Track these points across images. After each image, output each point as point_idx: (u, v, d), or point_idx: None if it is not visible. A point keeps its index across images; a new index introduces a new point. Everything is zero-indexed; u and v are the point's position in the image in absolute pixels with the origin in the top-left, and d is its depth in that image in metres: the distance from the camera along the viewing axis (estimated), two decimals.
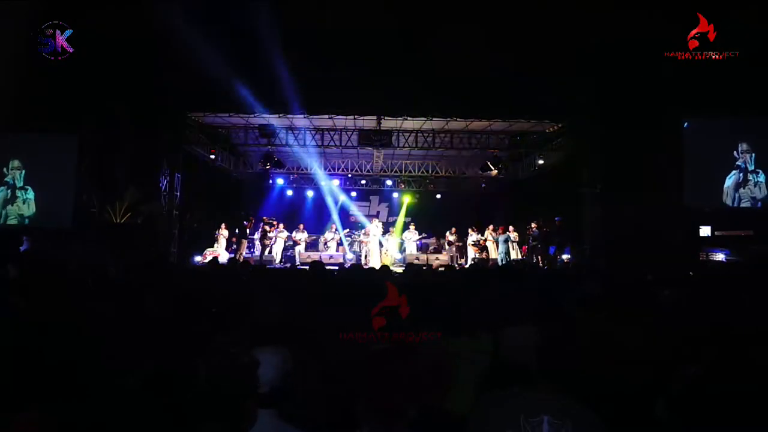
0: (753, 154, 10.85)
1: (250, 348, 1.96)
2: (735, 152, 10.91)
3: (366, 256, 14.35)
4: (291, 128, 12.77)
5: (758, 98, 9.98)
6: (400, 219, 17.60)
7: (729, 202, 10.86)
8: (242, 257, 13.17)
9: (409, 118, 11.75)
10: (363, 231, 15.04)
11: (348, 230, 15.73)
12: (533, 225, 13.35)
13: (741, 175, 10.86)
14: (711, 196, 10.92)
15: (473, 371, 2.33)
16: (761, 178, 10.81)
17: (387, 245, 14.48)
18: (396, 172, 16.62)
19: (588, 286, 4.26)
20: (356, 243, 15.12)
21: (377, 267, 7.23)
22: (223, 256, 12.37)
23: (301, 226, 14.87)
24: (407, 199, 18.06)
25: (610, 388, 1.89)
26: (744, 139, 10.95)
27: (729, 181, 10.88)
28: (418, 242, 14.89)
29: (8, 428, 1.41)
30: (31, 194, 11.57)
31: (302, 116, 11.80)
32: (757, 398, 1.61)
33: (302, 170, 16.58)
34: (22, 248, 9.76)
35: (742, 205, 10.84)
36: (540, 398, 1.54)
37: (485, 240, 14.28)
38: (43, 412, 1.45)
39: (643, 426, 1.84)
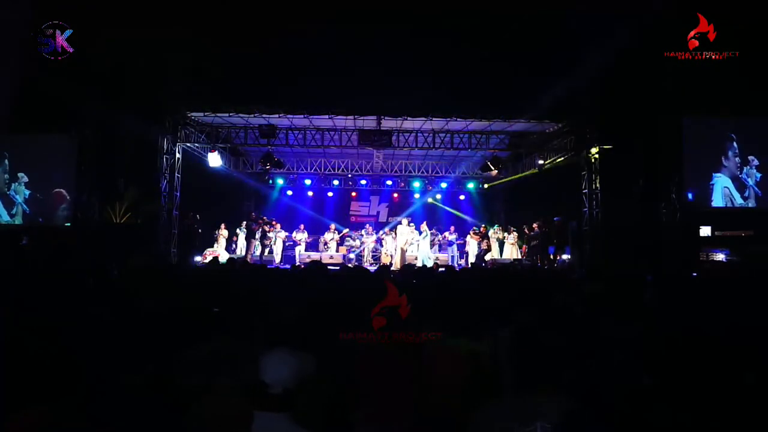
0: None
1: (255, 348, 1.96)
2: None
3: (366, 257, 14.38)
4: (291, 128, 12.76)
5: (758, 98, 9.99)
6: None
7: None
8: (251, 257, 13.29)
9: (409, 118, 11.75)
10: (364, 230, 15.06)
11: (348, 230, 15.73)
12: (534, 225, 13.34)
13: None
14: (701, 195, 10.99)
15: (473, 373, 2.33)
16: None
17: (388, 246, 14.46)
18: (396, 172, 16.61)
19: (588, 286, 4.26)
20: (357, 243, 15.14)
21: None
22: (223, 256, 12.37)
23: (302, 227, 14.89)
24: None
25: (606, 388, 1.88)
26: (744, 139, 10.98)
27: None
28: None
29: (8, 426, 1.41)
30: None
31: (302, 116, 11.79)
32: None
33: (302, 170, 16.58)
34: (21, 243, 9.82)
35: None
36: (534, 403, 1.54)
37: (488, 240, 14.29)
38: (42, 410, 1.45)
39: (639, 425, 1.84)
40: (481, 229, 14.35)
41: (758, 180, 10.94)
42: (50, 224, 11.41)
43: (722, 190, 10.86)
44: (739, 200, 10.90)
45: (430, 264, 12.00)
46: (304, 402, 1.66)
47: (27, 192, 11.54)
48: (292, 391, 1.64)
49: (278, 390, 1.62)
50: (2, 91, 9.61)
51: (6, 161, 11.62)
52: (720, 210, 10.93)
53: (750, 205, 10.94)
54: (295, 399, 1.65)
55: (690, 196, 10.82)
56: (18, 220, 11.57)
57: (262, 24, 9.94)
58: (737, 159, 10.93)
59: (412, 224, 13.90)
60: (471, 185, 17.56)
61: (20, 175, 11.57)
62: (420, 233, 14.03)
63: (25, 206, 11.53)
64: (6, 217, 11.55)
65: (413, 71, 10.32)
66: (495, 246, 14.27)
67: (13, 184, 11.57)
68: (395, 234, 13.93)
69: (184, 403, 1.78)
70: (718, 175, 10.91)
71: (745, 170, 10.95)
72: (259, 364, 1.69)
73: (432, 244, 14.86)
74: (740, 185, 10.94)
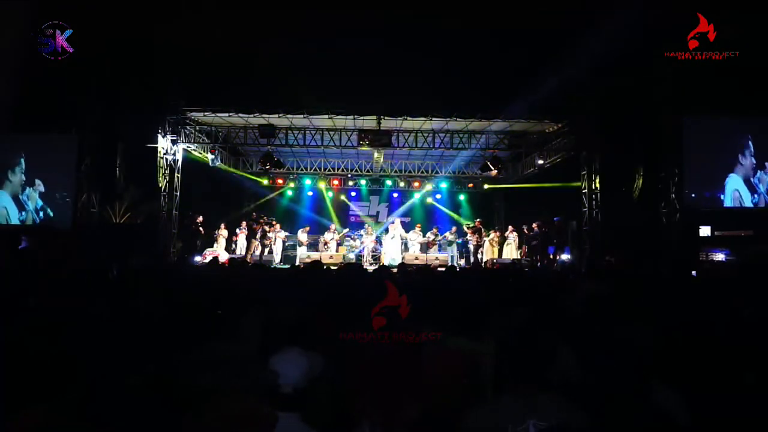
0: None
1: (255, 348, 1.95)
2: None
3: (366, 257, 14.37)
4: (291, 128, 12.75)
5: (758, 98, 9.99)
6: None
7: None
8: (251, 257, 13.28)
9: (409, 118, 11.74)
10: (364, 230, 15.05)
11: (348, 230, 15.72)
12: (534, 225, 13.33)
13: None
14: (711, 196, 10.88)
15: (473, 372, 2.33)
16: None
17: (387, 246, 14.45)
18: (396, 172, 16.60)
19: (589, 287, 4.26)
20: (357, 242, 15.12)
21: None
22: (223, 256, 12.35)
23: (308, 228, 14.91)
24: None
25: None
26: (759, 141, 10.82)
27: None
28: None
29: (8, 426, 1.41)
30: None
31: (302, 116, 11.79)
32: None
33: (302, 170, 16.57)
34: (21, 246, 9.79)
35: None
36: (533, 403, 1.54)
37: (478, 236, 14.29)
38: (42, 410, 1.45)
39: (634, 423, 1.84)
40: (476, 223, 14.36)
41: None
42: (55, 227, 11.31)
43: (732, 193, 10.71)
44: (748, 204, 10.71)
45: (396, 263, 12.05)
46: (312, 401, 1.67)
47: (40, 202, 11.34)
48: (303, 390, 1.65)
49: (288, 389, 1.62)
50: (3, 91, 9.61)
51: (22, 161, 11.43)
52: (720, 210, 10.90)
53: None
54: (305, 398, 1.65)
55: (693, 196, 10.74)
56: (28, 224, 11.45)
57: (262, 24, 9.95)
58: (753, 160, 10.74)
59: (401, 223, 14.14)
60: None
61: (37, 181, 11.35)
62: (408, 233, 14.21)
63: (35, 215, 11.32)
64: (15, 220, 11.40)
65: (413, 71, 10.33)
66: (488, 246, 14.27)
67: (28, 189, 11.38)
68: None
69: (184, 403, 1.78)
70: (731, 174, 10.69)
71: (758, 174, 10.72)
72: (270, 363, 1.69)
73: (431, 245, 14.85)
74: (751, 188, 10.72)
